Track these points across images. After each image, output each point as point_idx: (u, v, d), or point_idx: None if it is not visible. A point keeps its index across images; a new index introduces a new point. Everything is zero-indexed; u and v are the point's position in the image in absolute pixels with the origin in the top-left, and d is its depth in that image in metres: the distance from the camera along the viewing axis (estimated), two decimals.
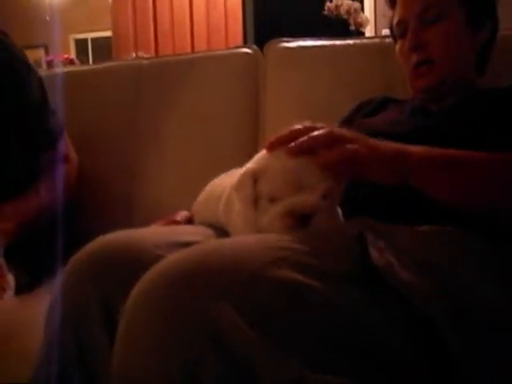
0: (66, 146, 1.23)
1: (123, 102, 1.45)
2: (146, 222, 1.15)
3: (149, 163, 1.39)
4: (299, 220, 0.59)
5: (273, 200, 0.62)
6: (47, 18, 5.18)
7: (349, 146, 0.63)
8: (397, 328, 0.48)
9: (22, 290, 1.02)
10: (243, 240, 0.54)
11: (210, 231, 0.75)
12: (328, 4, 1.84)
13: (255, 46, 1.45)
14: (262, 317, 0.44)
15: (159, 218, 0.92)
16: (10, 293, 0.96)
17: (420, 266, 0.52)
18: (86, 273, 0.61)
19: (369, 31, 2.75)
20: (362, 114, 1.13)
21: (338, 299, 0.47)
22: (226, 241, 0.55)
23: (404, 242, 0.57)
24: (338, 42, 1.41)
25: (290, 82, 1.36)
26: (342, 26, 2.10)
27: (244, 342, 0.42)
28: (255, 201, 0.64)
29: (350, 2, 1.83)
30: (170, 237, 0.68)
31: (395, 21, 1.08)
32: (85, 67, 1.96)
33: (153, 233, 0.70)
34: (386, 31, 3.02)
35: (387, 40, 1.33)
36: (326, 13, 1.88)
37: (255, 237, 0.55)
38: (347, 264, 0.51)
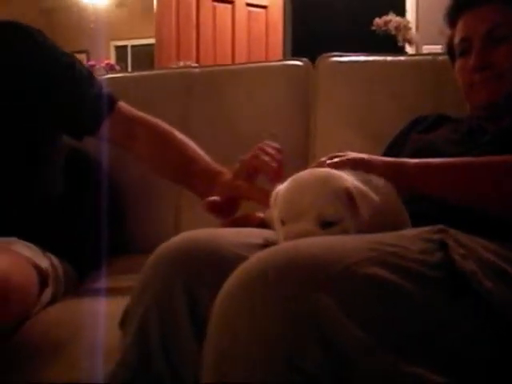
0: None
1: (173, 111, 1.45)
2: None
3: None
4: None
5: (282, 223, 0.64)
6: (91, 26, 5.32)
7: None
8: (482, 331, 0.50)
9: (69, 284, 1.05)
10: (332, 239, 0.56)
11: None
12: (377, 20, 1.85)
13: (306, 59, 1.47)
14: (359, 310, 0.46)
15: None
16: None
17: (500, 276, 0.54)
18: (172, 266, 0.62)
19: (409, 48, 2.75)
20: (418, 130, 1.13)
21: (425, 300, 0.49)
22: (315, 239, 0.56)
23: (483, 252, 0.58)
24: (389, 58, 1.42)
25: (342, 96, 1.38)
26: (386, 41, 2.11)
27: (344, 333, 0.44)
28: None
29: (400, 18, 1.84)
30: (250, 238, 0.69)
31: (457, 39, 1.08)
32: (133, 74, 2.00)
33: (232, 233, 0.71)
34: (426, 48, 3.03)
35: (440, 57, 1.34)
36: (374, 28, 1.89)
37: (342, 237, 0.57)
38: (430, 268, 0.52)
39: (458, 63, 1.09)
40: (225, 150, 1.41)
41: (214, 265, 0.62)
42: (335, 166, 0.70)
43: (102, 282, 1.11)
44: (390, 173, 0.72)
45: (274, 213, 0.67)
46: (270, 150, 0.86)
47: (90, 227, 1.21)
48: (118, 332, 0.71)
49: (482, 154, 0.89)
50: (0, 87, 0.98)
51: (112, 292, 1.01)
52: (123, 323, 0.68)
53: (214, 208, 0.87)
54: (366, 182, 0.65)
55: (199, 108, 1.46)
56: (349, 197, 0.61)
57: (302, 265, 0.49)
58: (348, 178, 0.64)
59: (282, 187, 0.67)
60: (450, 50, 1.16)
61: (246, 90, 1.45)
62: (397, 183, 0.71)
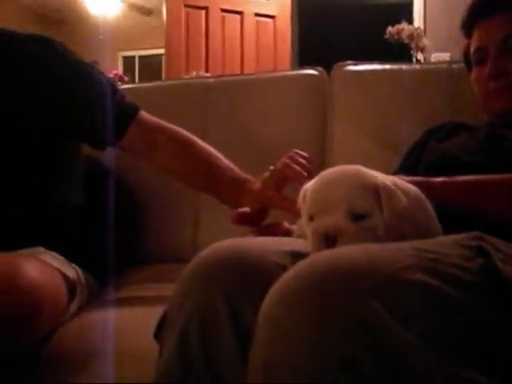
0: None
1: (190, 121, 1.42)
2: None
3: None
4: (323, 241, 0.61)
5: (311, 218, 0.64)
6: (100, 37, 5.36)
7: None
8: None
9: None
10: (371, 246, 0.56)
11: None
12: (390, 29, 1.87)
13: (321, 68, 1.48)
14: (408, 315, 0.47)
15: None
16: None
17: None
18: (212, 276, 0.62)
19: (421, 55, 2.76)
20: (435, 139, 1.14)
21: (469, 305, 0.50)
22: (354, 247, 0.56)
23: None
24: (404, 67, 1.43)
25: (358, 105, 1.38)
26: (396, 49, 2.12)
27: (398, 339, 0.45)
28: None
29: (413, 27, 1.86)
30: (283, 246, 0.69)
31: (473, 48, 1.09)
32: (148, 84, 2.01)
33: (268, 241, 0.71)
34: (435, 56, 3.04)
35: (454, 66, 1.35)
36: (387, 37, 1.91)
37: (381, 245, 0.57)
38: (470, 273, 0.53)
39: (474, 72, 1.10)
40: (242, 160, 1.42)
41: (253, 274, 0.62)
42: None
43: (123, 292, 1.11)
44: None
45: (303, 211, 0.67)
46: (299, 160, 0.87)
47: (109, 237, 1.22)
48: (147, 341, 0.72)
49: (502, 161, 0.90)
50: (23, 99, 0.99)
51: (134, 302, 1.02)
52: (159, 333, 0.68)
53: (244, 219, 0.88)
54: (395, 185, 0.65)
55: (215, 119, 1.47)
56: (377, 193, 0.62)
57: (349, 272, 0.49)
58: (378, 176, 0.64)
59: (309, 184, 0.67)
60: (466, 59, 1.17)
61: (262, 100, 1.46)
62: None
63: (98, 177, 1.29)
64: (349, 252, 0.53)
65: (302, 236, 0.75)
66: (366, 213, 0.61)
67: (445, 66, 1.36)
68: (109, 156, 1.25)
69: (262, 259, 0.64)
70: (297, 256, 0.65)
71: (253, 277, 0.62)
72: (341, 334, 0.45)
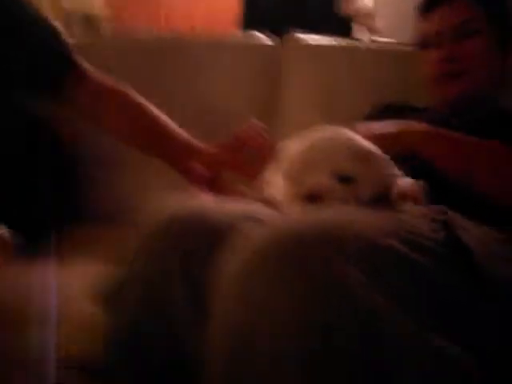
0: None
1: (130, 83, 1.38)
2: None
3: None
4: (306, 202, 0.59)
5: (288, 178, 0.62)
6: None
7: None
8: (483, 308, 0.53)
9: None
10: (344, 212, 0.55)
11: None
12: (344, 4, 1.85)
13: (274, 35, 1.45)
14: (385, 282, 0.47)
15: None
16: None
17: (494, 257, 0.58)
18: (169, 240, 0.60)
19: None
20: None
21: (439, 275, 0.51)
22: (329, 212, 0.55)
23: (478, 234, 0.61)
24: (360, 44, 1.44)
25: (310, 77, 1.36)
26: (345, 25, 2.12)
27: (374, 304, 0.45)
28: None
29: (368, 5, 1.87)
30: (244, 210, 0.66)
31: (429, 31, 1.10)
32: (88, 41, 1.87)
33: (224, 205, 0.68)
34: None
35: (408, 48, 1.36)
36: (337, 11, 1.88)
37: (353, 211, 0.56)
38: (438, 244, 0.54)
39: (428, 55, 1.11)
40: (184, 125, 1.37)
41: (210, 237, 0.60)
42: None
43: (61, 253, 1.05)
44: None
45: (280, 172, 0.64)
46: (261, 131, 0.85)
47: (43, 191, 1.15)
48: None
49: None
50: None
51: (73, 263, 0.97)
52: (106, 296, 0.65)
53: (202, 181, 0.84)
54: None
55: (159, 80, 1.40)
56: (367, 158, 0.60)
57: (328, 237, 0.48)
58: (367, 141, 0.63)
59: (289, 143, 0.64)
60: (420, 42, 1.18)
61: (210, 65, 1.40)
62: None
63: (33, 127, 1.21)
64: (326, 218, 0.52)
65: (261, 200, 0.73)
66: (352, 175, 0.59)
67: (399, 47, 1.37)
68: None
69: (224, 224, 0.61)
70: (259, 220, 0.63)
71: (208, 238, 0.59)
72: (323, 303, 0.44)
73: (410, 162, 0.79)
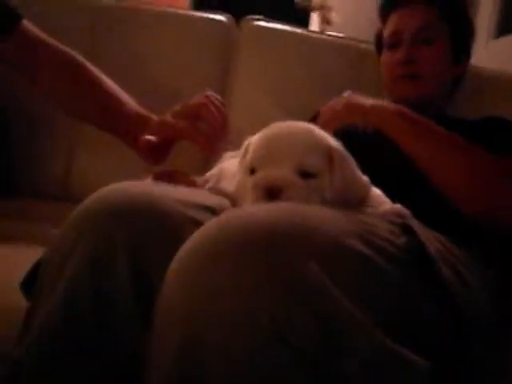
0: None
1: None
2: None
3: None
4: (265, 196, 0.55)
5: (253, 171, 0.59)
6: None
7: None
8: (440, 318, 0.52)
9: None
10: (303, 207, 0.52)
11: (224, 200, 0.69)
12: None
13: (230, 16, 1.40)
14: (345, 281, 0.44)
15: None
16: None
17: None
18: (110, 223, 0.53)
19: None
20: None
21: (398, 278, 0.49)
22: (285, 205, 0.51)
23: (435, 242, 0.60)
24: (316, 36, 1.41)
25: (263, 63, 1.33)
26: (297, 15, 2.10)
27: (334, 304, 0.42)
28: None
29: None
30: (194, 198, 0.61)
31: (388, 32, 1.10)
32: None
33: (176, 191, 0.62)
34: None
35: (363, 45, 1.36)
36: (296, 1, 1.86)
37: (315, 207, 0.53)
38: (398, 249, 0.52)
39: (385, 56, 1.12)
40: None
41: (163, 225, 0.54)
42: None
43: None
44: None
45: (243, 164, 0.61)
46: (216, 102, 0.79)
47: None
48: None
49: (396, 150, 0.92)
50: None
51: None
52: (29, 283, 0.58)
53: (150, 148, 0.77)
54: None
55: (107, 49, 1.32)
56: (330, 155, 0.58)
57: (288, 232, 0.45)
58: (332, 139, 0.61)
59: (255, 136, 0.61)
60: (378, 42, 1.18)
61: (161, 37, 1.33)
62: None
63: None
64: (300, 212, 0.49)
65: (213, 191, 0.70)
66: (315, 172, 0.57)
67: (354, 43, 1.35)
68: None
69: (173, 210, 0.56)
70: (213, 212, 0.59)
71: (162, 228, 0.54)
72: (276, 297, 0.41)
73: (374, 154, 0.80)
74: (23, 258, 0.66)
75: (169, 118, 0.78)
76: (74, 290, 0.51)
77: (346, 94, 0.93)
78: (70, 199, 1.19)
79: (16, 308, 0.61)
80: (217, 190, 0.73)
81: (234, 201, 0.65)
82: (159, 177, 0.76)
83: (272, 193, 0.55)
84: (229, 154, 0.81)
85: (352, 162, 0.61)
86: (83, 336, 0.51)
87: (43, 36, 0.92)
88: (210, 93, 0.80)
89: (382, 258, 0.49)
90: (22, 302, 0.59)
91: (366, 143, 0.83)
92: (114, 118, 0.86)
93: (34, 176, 1.23)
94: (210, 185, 0.76)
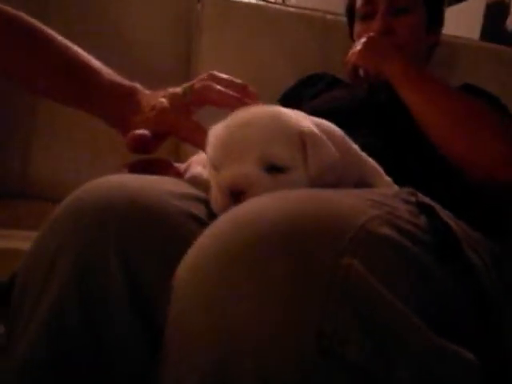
0: None
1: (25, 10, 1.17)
2: None
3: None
4: (229, 196, 0.49)
5: (215, 169, 0.52)
6: None
7: None
8: (467, 303, 0.45)
9: None
10: (322, 193, 0.45)
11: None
12: None
13: None
14: (387, 275, 0.38)
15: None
16: None
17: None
18: (99, 224, 0.45)
19: None
20: (309, 93, 1.09)
21: (429, 265, 0.43)
22: (297, 192, 0.44)
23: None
24: (278, 7, 1.36)
25: (227, 38, 1.27)
26: None
27: (383, 304, 0.35)
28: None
29: None
30: (183, 188, 0.53)
31: (361, 2, 1.06)
32: None
33: (159, 181, 0.54)
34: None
35: (328, 16, 1.32)
36: None
37: (328, 191, 0.46)
38: (421, 231, 0.45)
39: (359, 27, 1.08)
40: None
41: (154, 222, 0.47)
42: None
43: None
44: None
45: (207, 158, 0.53)
46: (224, 78, 0.65)
47: None
48: None
49: (376, 122, 0.89)
50: None
51: None
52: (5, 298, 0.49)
53: (140, 145, 0.63)
54: (322, 130, 0.52)
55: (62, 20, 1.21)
56: (302, 141, 0.50)
57: (314, 225, 0.38)
58: (304, 121, 0.52)
59: (216, 126, 0.53)
60: (349, 13, 1.14)
61: (119, 12, 1.24)
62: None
63: None
64: (318, 200, 0.41)
65: (196, 183, 0.62)
66: (284, 165, 0.49)
67: (319, 14, 1.31)
68: None
69: (162, 203, 0.48)
70: (207, 201, 0.52)
71: (154, 226, 0.47)
72: (319, 305, 0.34)
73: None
74: None
75: (166, 103, 0.64)
76: (59, 312, 0.43)
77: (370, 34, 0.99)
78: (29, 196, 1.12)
79: None
80: (196, 180, 0.65)
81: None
82: (137, 167, 0.65)
83: (234, 194, 0.48)
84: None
85: (329, 148, 0.52)
86: (75, 367, 0.43)
87: None
88: (214, 72, 0.66)
89: (411, 242, 0.42)
90: None
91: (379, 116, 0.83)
92: (87, 91, 0.69)
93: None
94: (189, 174, 0.68)
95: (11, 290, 0.49)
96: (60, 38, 0.73)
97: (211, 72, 0.66)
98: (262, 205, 0.42)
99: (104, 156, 1.16)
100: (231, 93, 0.61)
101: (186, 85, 0.65)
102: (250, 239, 0.37)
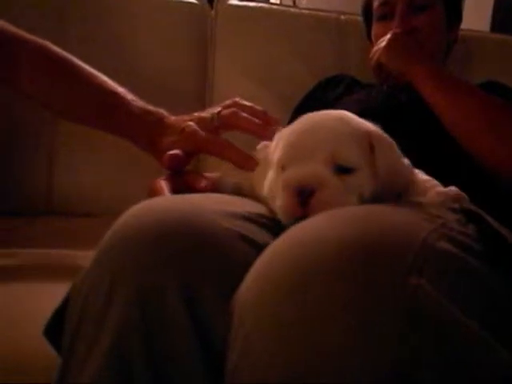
0: None
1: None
2: None
3: None
4: (296, 196, 0.48)
5: (283, 168, 0.52)
6: None
7: None
8: None
9: None
10: (370, 208, 0.45)
11: (254, 202, 0.59)
12: None
13: None
14: (455, 293, 0.37)
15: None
16: None
17: None
18: (156, 257, 0.44)
19: None
20: (332, 95, 1.09)
21: (487, 276, 0.42)
22: (363, 208, 0.45)
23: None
24: (292, 10, 1.36)
25: (241, 45, 1.26)
26: None
27: (458, 326, 0.34)
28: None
29: None
30: (227, 206, 0.52)
31: (377, 2, 1.05)
32: None
33: (206, 201, 0.53)
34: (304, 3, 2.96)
35: (342, 17, 1.31)
36: None
37: (377, 206, 0.46)
38: (473, 240, 0.44)
39: (378, 28, 1.07)
40: None
41: (210, 248, 0.45)
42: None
43: None
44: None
45: (273, 161, 0.54)
46: (247, 105, 0.70)
47: None
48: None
49: (401, 124, 0.89)
50: None
51: None
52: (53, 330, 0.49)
53: (175, 164, 0.67)
54: None
55: (74, 35, 1.21)
56: (369, 143, 0.50)
57: (387, 245, 0.37)
58: (370, 124, 0.53)
59: (285, 129, 0.54)
60: (366, 14, 1.13)
61: (135, 20, 1.24)
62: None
63: None
64: (379, 218, 0.41)
65: (241, 193, 0.62)
66: (352, 166, 0.49)
67: (334, 15, 1.30)
68: None
69: (215, 226, 0.47)
70: (256, 220, 0.52)
71: (210, 252, 0.45)
72: (391, 329, 0.33)
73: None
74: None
75: (195, 126, 0.68)
76: (121, 346, 0.42)
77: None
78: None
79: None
80: (239, 186, 0.65)
81: (261, 201, 0.59)
82: (173, 179, 0.67)
83: (303, 193, 0.48)
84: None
85: (394, 147, 0.54)
86: None
87: (17, 30, 0.81)
88: (237, 99, 0.72)
89: (468, 255, 0.41)
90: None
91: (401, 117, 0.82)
92: (116, 118, 0.75)
93: (10, 192, 1.12)
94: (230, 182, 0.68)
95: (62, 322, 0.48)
96: (85, 65, 0.79)
97: (235, 99, 0.71)
98: (320, 225, 0.41)
99: (125, 170, 1.16)
100: (256, 120, 0.66)
101: (212, 110, 0.71)
102: (314, 263, 0.37)
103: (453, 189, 0.56)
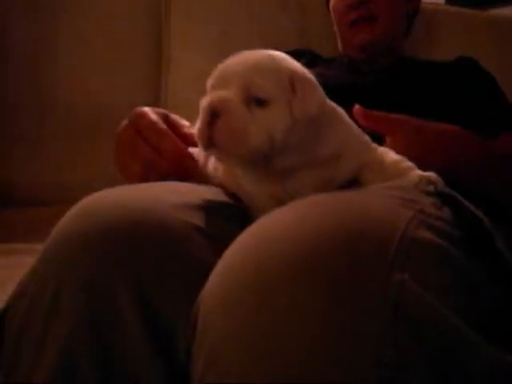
0: None
1: None
2: None
3: None
4: (207, 117, 0.48)
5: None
6: None
7: None
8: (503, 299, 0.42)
9: None
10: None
11: (214, 189, 0.58)
12: None
13: None
14: (433, 283, 0.35)
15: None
16: None
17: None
18: (105, 256, 0.41)
19: None
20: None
21: (469, 266, 0.40)
22: (345, 195, 0.43)
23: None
24: None
25: (198, 22, 1.23)
26: None
27: (442, 322, 0.33)
28: None
29: None
30: (184, 197, 0.50)
31: None
32: None
33: (162, 191, 0.51)
34: None
35: None
36: None
37: (348, 193, 0.45)
38: (451, 225, 0.43)
39: (334, 1, 1.05)
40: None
41: (164, 244, 0.43)
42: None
43: None
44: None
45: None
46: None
47: None
48: None
49: (360, 92, 0.87)
50: None
51: None
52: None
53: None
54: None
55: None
56: (291, 82, 0.50)
57: (366, 237, 0.36)
58: (301, 67, 0.52)
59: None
60: None
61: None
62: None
63: None
64: (354, 206, 0.39)
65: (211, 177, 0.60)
66: (266, 98, 0.49)
67: None
68: None
69: (169, 219, 0.45)
70: (216, 209, 0.50)
71: (163, 247, 0.43)
72: (370, 317, 0.32)
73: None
74: None
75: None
76: (69, 358, 0.39)
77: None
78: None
79: None
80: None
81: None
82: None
83: (210, 116, 0.48)
84: None
85: (320, 97, 0.52)
86: None
87: None
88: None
89: (447, 242, 0.40)
90: None
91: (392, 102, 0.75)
92: None
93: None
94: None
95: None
96: None
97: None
98: (287, 217, 0.39)
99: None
100: None
101: None
102: (284, 264, 0.35)
103: (433, 174, 0.53)
